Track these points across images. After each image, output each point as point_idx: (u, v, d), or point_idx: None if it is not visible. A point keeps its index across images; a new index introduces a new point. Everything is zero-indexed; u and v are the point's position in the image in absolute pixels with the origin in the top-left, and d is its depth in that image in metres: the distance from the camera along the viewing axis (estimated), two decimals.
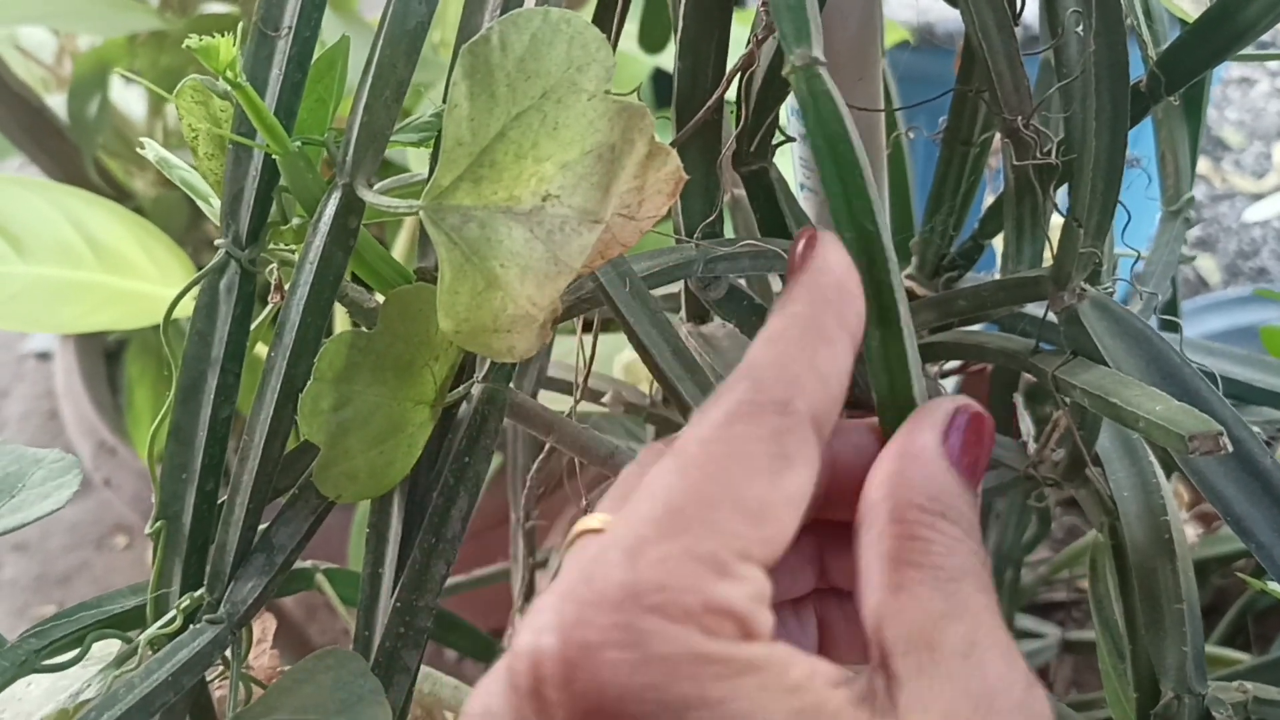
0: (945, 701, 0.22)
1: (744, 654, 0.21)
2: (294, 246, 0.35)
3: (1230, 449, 0.31)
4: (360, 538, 0.78)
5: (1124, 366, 0.36)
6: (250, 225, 0.33)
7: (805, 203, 0.45)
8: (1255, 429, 0.41)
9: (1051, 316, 0.38)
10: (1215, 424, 0.31)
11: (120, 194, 0.89)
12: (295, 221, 0.34)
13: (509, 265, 0.28)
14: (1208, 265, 1.56)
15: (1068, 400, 0.42)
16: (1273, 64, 1.80)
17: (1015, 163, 0.36)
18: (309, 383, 0.30)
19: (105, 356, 1.02)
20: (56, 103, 0.93)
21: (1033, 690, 0.22)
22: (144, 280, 0.67)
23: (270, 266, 0.35)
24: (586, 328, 0.43)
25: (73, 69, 0.87)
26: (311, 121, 0.33)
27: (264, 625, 0.44)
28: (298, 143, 0.31)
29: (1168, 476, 0.66)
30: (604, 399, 0.54)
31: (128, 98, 1.04)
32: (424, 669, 0.45)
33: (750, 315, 0.43)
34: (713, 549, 0.22)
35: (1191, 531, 0.72)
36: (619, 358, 0.67)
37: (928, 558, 0.23)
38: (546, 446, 0.49)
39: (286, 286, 0.35)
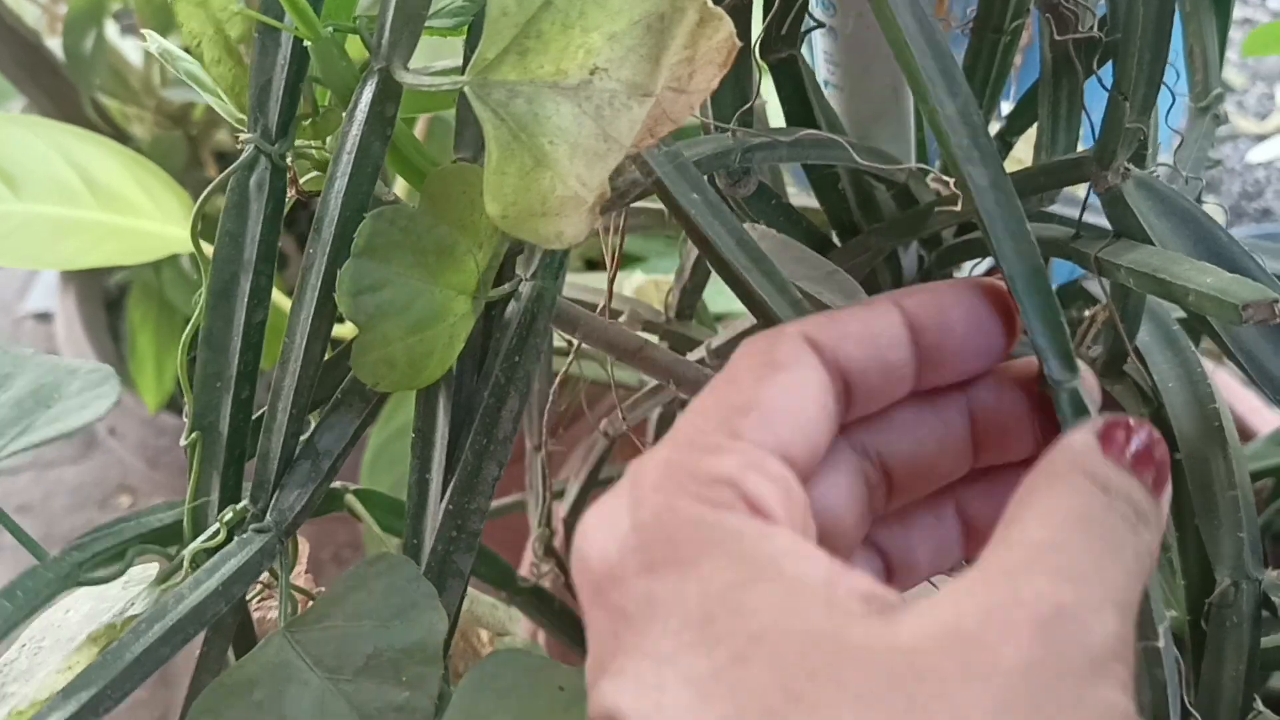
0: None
1: (731, 522, 0.22)
2: (316, 143, 0.34)
3: None
4: (373, 469, 0.78)
5: (1170, 246, 0.36)
6: (280, 118, 0.32)
7: (832, 99, 0.44)
8: None
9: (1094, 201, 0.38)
10: (1269, 291, 0.31)
11: (120, 136, 0.87)
12: (324, 112, 0.33)
13: (558, 142, 0.27)
14: (1211, 207, 1.55)
15: (1107, 292, 0.41)
16: (1274, 4, 1.79)
17: (1055, 37, 0.35)
18: (348, 260, 0.29)
19: (106, 307, 1.01)
20: (55, 45, 0.91)
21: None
22: (143, 217, 0.66)
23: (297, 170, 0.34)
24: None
25: (68, 6, 0.86)
26: (339, 6, 0.32)
27: (299, 547, 0.44)
28: (329, 28, 0.30)
29: None
30: (621, 317, 0.54)
31: (126, 46, 1.02)
32: None
33: (779, 215, 0.42)
34: (702, 438, 0.24)
35: None
36: (628, 281, 0.67)
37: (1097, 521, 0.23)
38: (565, 366, 0.49)
39: (302, 181, 0.34)
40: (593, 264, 0.93)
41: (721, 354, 0.49)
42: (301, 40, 0.31)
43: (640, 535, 0.22)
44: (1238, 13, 1.80)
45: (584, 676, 0.33)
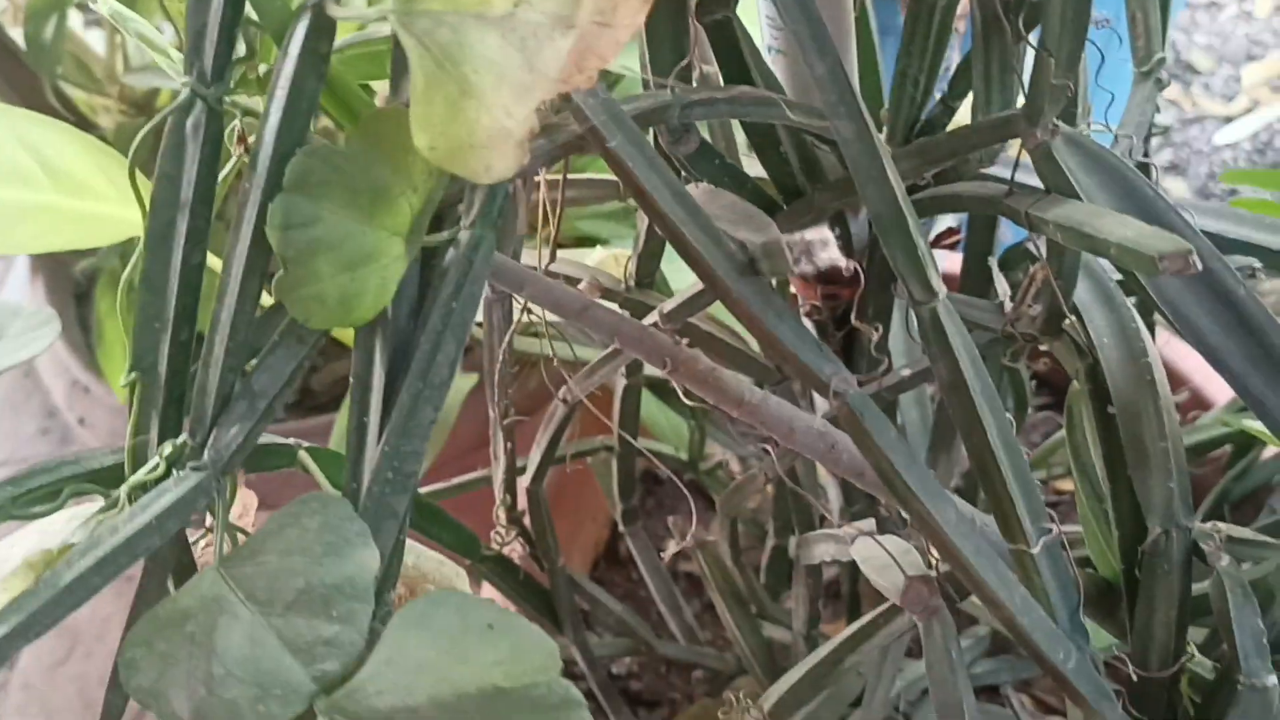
0: None
1: None
2: (261, 97, 0.35)
3: (1200, 267, 0.31)
4: (341, 445, 0.78)
5: (1098, 201, 0.36)
6: (215, 62, 0.32)
7: (775, 65, 0.45)
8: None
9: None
10: (1185, 243, 0.32)
11: (85, 125, 0.88)
12: (263, 68, 0.34)
13: (483, 72, 0.28)
14: (1178, 188, 1.57)
15: (1042, 252, 0.42)
16: None
17: None
18: (278, 194, 0.30)
19: (75, 299, 1.01)
20: (18, 35, 0.92)
21: None
22: (104, 202, 0.66)
23: (235, 122, 0.35)
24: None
25: None
26: None
27: (245, 501, 0.44)
28: None
29: None
30: (580, 284, 0.54)
31: (91, 37, 1.02)
32: (408, 543, 0.45)
33: (723, 174, 0.43)
34: None
35: None
36: (589, 257, 0.67)
37: None
38: (518, 315, 0.49)
39: (252, 139, 0.35)
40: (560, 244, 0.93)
41: (673, 318, 0.50)
42: None
43: None
44: None
45: (514, 616, 0.33)
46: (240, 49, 0.33)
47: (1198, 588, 0.39)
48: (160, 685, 0.32)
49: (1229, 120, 1.63)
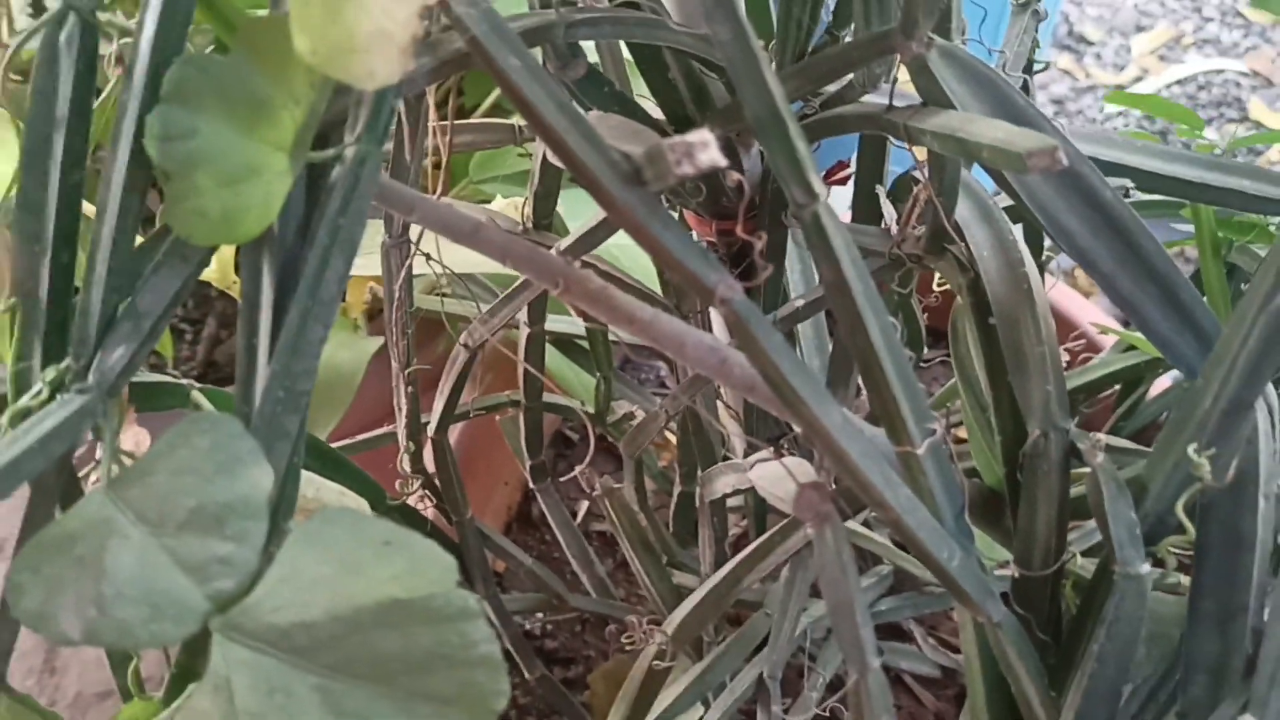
0: None
1: None
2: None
3: (1065, 162, 0.32)
4: None
5: (972, 109, 0.37)
6: None
7: None
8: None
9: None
10: (1051, 140, 0.33)
11: None
12: None
13: None
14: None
15: (921, 176, 0.43)
16: None
17: None
18: (156, 105, 0.30)
19: None
20: None
21: None
22: None
23: (113, 45, 0.34)
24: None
25: None
26: None
27: (137, 438, 0.44)
28: None
29: None
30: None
31: None
32: (306, 474, 0.45)
33: (612, 102, 0.43)
34: None
35: None
36: (489, 206, 0.67)
37: None
38: (413, 247, 0.49)
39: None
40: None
41: (572, 253, 0.50)
42: None
43: None
44: None
45: (410, 533, 0.34)
46: None
47: (1077, 491, 0.41)
48: (49, 608, 0.31)
49: (1119, 89, 1.68)
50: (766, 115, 0.32)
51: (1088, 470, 0.39)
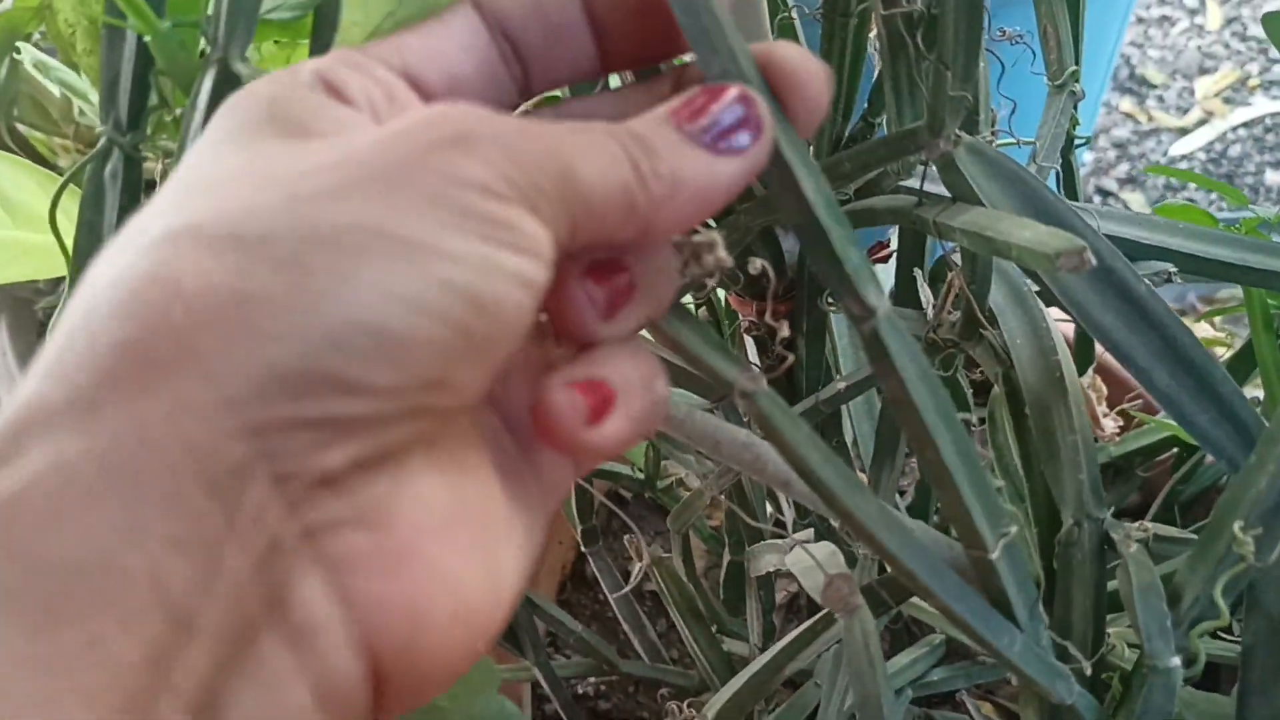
0: None
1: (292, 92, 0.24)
2: (174, 139, 0.36)
3: (1094, 263, 0.32)
4: None
5: (1000, 206, 0.38)
6: (130, 110, 0.33)
7: None
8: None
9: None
10: (1079, 241, 0.33)
11: (42, 165, 0.89)
12: (179, 111, 0.35)
13: None
14: (1136, 200, 1.59)
15: (957, 262, 0.44)
16: (1190, 1, 1.83)
17: (883, 12, 0.37)
18: None
19: (39, 331, 1.02)
20: None
21: None
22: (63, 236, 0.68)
23: (156, 161, 0.36)
24: None
25: None
26: (183, 2, 0.33)
27: None
28: (168, 23, 0.32)
29: (1083, 371, 0.68)
30: None
31: (48, 80, 1.03)
32: None
33: None
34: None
35: (1111, 425, 0.74)
36: None
37: None
38: None
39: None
40: None
41: None
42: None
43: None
44: (1156, 11, 1.85)
45: None
46: (155, 98, 0.34)
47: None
48: None
49: (1183, 132, 1.66)
50: (807, 225, 0.31)
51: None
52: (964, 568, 0.34)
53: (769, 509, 0.64)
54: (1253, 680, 0.37)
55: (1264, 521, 0.36)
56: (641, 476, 0.78)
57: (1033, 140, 0.45)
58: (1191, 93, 1.72)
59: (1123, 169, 1.63)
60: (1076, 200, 0.58)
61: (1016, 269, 0.44)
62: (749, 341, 0.57)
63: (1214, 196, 1.41)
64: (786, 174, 0.30)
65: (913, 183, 0.45)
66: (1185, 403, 0.38)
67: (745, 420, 0.51)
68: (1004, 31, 0.48)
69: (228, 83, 0.32)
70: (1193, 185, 1.50)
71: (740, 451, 0.40)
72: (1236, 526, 0.35)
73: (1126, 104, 1.72)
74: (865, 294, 0.29)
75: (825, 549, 0.41)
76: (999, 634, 0.36)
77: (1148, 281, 0.40)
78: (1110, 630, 0.41)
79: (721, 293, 0.57)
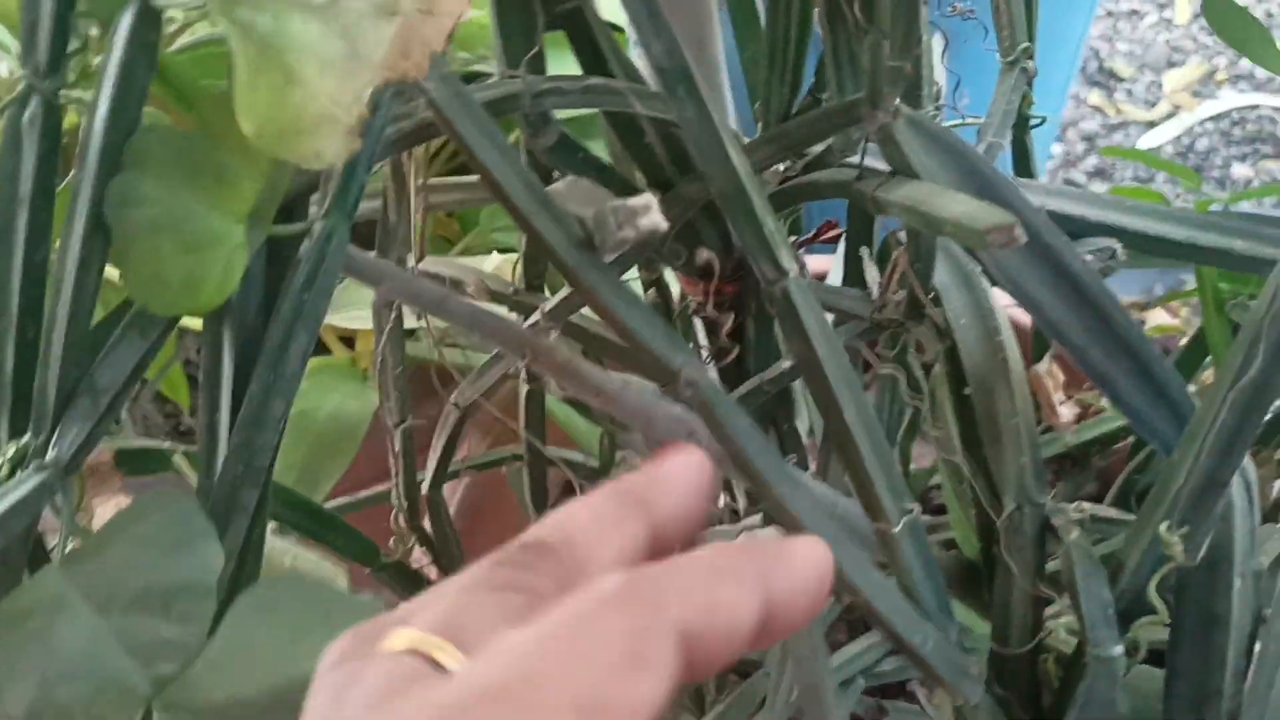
0: None
1: None
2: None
3: (1024, 238, 0.32)
4: None
5: (939, 181, 0.37)
6: (50, 55, 0.32)
7: (639, 59, 0.45)
8: (1088, 255, 0.42)
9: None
10: (1009, 216, 0.32)
11: None
12: (100, 59, 0.34)
13: (306, 60, 0.28)
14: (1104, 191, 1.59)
15: (901, 239, 0.43)
16: None
17: None
18: (120, 173, 0.30)
19: None
20: None
21: None
22: None
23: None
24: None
25: None
26: None
27: (119, 506, 0.44)
28: None
29: (1040, 358, 0.68)
30: (468, 288, 0.54)
31: None
32: (285, 543, 0.45)
33: (586, 167, 0.43)
34: None
35: (1068, 412, 0.74)
36: (487, 262, 0.67)
37: None
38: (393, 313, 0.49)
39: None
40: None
41: (556, 316, 0.50)
42: None
43: None
44: (1125, 4, 1.85)
45: (355, 599, 0.33)
46: (76, 42, 0.33)
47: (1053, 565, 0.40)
48: (1, 682, 0.31)
49: (1152, 126, 1.66)
50: (731, 191, 0.31)
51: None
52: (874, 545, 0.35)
53: (722, 497, 0.64)
54: (1179, 665, 0.37)
55: (1189, 519, 0.35)
56: (596, 465, 0.77)
57: (977, 118, 0.44)
58: (1160, 86, 1.72)
59: (1090, 162, 1.63)
60: (1031, 173, 0.58)
61: (959, 248, 0.44)
62: (699, 324, 0.57)
63: (1180, 190, 1.41)
64: (716, 144, 0.30)
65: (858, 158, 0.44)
66: (1120, 383, 0.38)
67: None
68: (955, 7, 0.47)
69: (149, 19, 0.31)
70: (1161, 177, 1.50)
71: (675, 427, 0.39)
72: (1163, 527, 0.35)
73: (1095, 97, 1.72)
74: (779, 256, 0.29)
75: (772, 535, 0.40)
76: (913, 631, 0.36)
77: (1090, 259, 0.39)
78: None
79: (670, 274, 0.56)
